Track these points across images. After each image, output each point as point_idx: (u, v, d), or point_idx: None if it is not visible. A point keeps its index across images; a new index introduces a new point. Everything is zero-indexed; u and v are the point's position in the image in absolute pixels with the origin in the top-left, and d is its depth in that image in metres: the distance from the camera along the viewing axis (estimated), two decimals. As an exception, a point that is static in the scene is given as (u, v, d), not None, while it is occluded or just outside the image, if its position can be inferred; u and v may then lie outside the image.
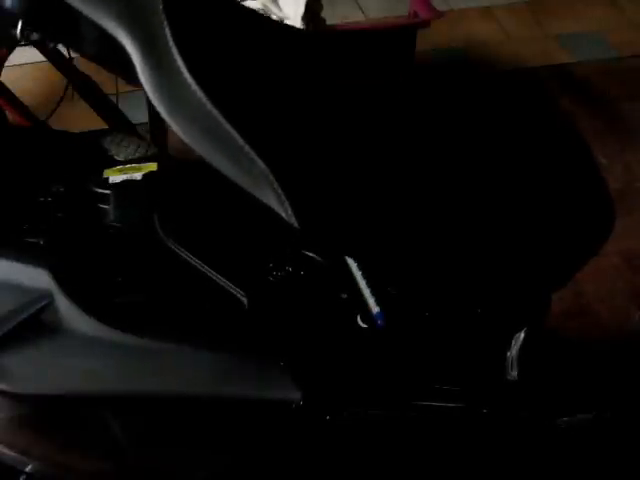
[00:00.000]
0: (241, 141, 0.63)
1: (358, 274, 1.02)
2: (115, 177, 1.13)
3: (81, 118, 2.22)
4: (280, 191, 0.66)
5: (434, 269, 0.80)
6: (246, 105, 0.66)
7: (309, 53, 0.75)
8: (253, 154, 0.63)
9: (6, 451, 0.97)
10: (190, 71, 0.60)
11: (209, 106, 0.61)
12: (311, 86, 0.73)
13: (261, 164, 0.64)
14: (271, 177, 0.65)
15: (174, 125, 0.65)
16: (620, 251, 2.05)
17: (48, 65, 2.14)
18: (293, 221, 0.68)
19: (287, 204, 0.67)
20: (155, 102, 0.64)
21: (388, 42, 1.93)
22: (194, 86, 0.61)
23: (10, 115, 1.95)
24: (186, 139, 0.65)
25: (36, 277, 0.95)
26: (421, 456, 0.94)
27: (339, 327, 0.96)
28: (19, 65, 2.56)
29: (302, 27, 1.87)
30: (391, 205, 0.75)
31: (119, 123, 2.23)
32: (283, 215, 0.68)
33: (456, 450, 0.93)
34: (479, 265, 0.81)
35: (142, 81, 0.64)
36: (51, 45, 0.84)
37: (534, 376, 0.94)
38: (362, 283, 1.00)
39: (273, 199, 0.67)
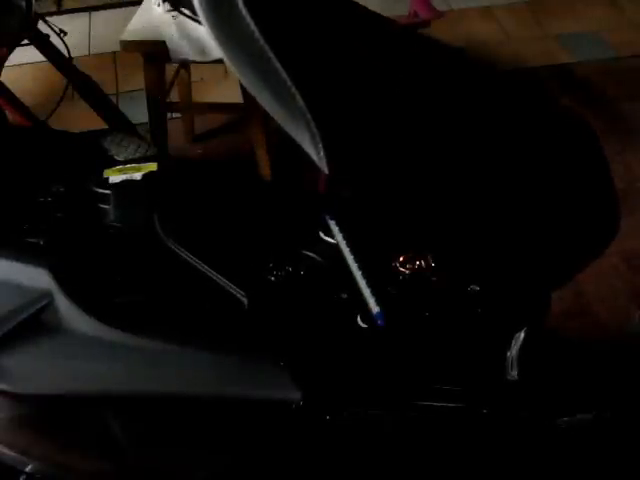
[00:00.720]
0: (284, 74, 0.63)
1: (358, 274, 1.02)
2: (115, 177, 1.13)
3: (81, 118, 2.22)
4: (315, 131, 0.66)
5: (449, 234, 0.80)
6: (296, 46, 0.66)
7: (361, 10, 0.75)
8: (295, 90, 0.63)
9: (6, 451, 0.97)
10: (245, 4, 0.61)
11: (261, 41, 0.62)
12: (361, 40, 0.73)
13: (300, 101, 0.64)
14: (308, 115, 0.65)
15: (227, 56, 0.65)
16: (620, 251, 2.05)
17: (48, 65, 2.14)
18: (323, 164, 0.68)
19: (320, 146, 0.67)
20: (211, 32, 0.64)
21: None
22: (248, 19, 0.61)
23: (10, 115, 1.95)
24: (235, 69, 0.66)
25: (36, 277, 0.95)
26: (421, 456, 0.94)
27: (339, 327, 0.96)
28: (19, 65, 2.57)
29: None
30: (416, 166, 0.75)
31: (119, 123, 2.24)
32: (314, 158, 0.68)
33: (456, 450, 0.93)
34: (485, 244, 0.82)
35: (198, 10, 0.65)
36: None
37: (534, 376, 0.94)
38: (362, 283, 1.01)
39: (307, 139, 0.67)
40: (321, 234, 1.09)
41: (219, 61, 2.02)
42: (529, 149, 0.79)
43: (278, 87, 0.65)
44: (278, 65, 0.63)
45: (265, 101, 0.68)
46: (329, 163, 0.68)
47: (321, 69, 0.68)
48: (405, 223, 0.81)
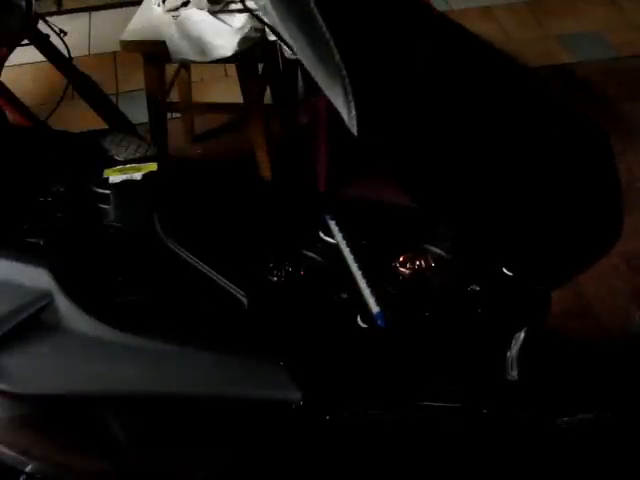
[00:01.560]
0: (324, 28, 0.63)
1: (358, 274, 1.02)
2: (115, 177, 1.13)
3: (81, 118, 2.22)
4: (349, 89, 0.65)
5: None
6: (340, 4, 0.66)
7: None
8: (333, 44, 0.63)
9: (6, 451, 0.97)
10: None
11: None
12: (403, 13, 0.73)
13: (337, 57, 0.64)
14: (344, 72, 0.65)
15: (274, 8, 0.66)
16: (620, 251, 2.05)
17: (48, 65, 2.14)
18: (353, 124, 0.68)
19: (352, 104, 0.66)
20: None
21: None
22: None
23: (10, 115, 1.95)
24: (279, 22, 0.66)
25: (36, 277, 0.95)
26: (421, 456, 0.94)
27: (339, 327, 0.96)
28: (19, 65, 2.57)
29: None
30: (441, 141, 0.75)
31: (119, 123, 2.24)
32: (345, 117, 0.68)
33: (456, 450, 0.93)
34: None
35: None
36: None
37: (534, 376, 0.94)
38: (362, 283, 1.01)
39: (340, 97, 0.66)
40: (321, 234, 1.09)
41: (219, 61, 2.02)
42: (550, 145, 0.79)
43: (318, 42, 0.65)
44: (321, 21, 0.63)
45: (305, 57, 0.68)
46: (359, 123, 0.67)
47: (361, 29, 0.68)
48: (426, 193, 0.81)
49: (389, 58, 0.70)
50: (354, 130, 0.68)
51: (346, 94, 0.66)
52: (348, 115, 0.67)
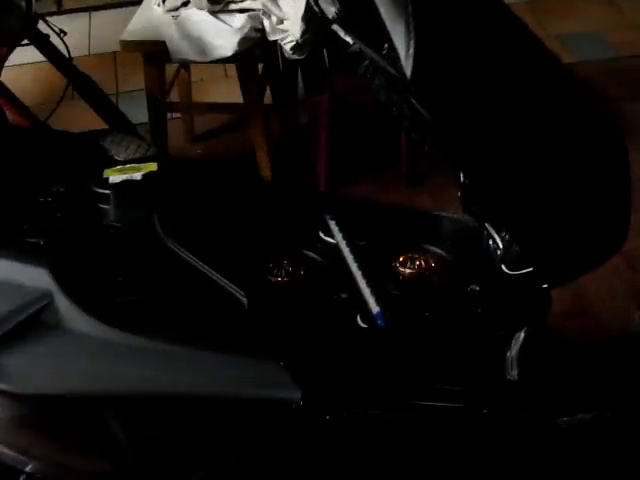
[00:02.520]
0: None
1: (358, 274, 1.02)
2: (115, 177, 1.13)
3: (81, 118, 2.22)
4: (412, 27, 0.65)
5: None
6: None
7: None
8: None
9: (6, 451, 0.97)
10: None
11: None
12: None
13: None
14: (410, 9, 0.65)
15: None
16: (620, 251, 2.05)
17: (48, 65, 2.14)
18: (409, 64, 0.68)
19: (412, 43, 0.66)
20: None
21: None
22: None
23: (10, 115, 1.95)
24: None
25: (36, 277, 0.95)
26: (421, 456, 0.94)
27: (339, 327, 0.96)
28: (19, 65, 2.57)
29: (302, 27, 1.87)
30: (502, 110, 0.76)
31: (119, 123, 2.24)
32: (401, 55, 0.68)
33: (456, 450, 0.93)
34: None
35: None
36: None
37: (534, 376, 0.94)
38: (362, 283, 1.00)
39: (402, 35, 0.67)
40: (321, 234, 1.09)
41: (219, 61, 2.02)
42: (571, 135, 0.80)
43: None
44: None
45: None
46: (414, 63, 0.67)
47: None
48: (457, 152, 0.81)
49: (453, 10, 0.70)
50: (408, 70, 0.68)
51: (408, 32, 0.66)
52: (405, 54, 0.67)
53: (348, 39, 0.91)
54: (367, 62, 0.94)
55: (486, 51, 0.73)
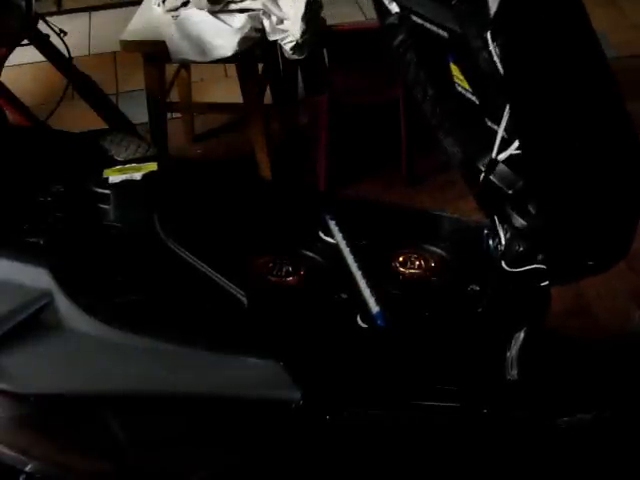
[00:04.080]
0: None
1: (358, 274, 1.02)
2: (115, 177, 1.13)
3: (81, 118, 2.22)
4: None
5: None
6: None
7: None
8: None
9: (6, 451, 0.97)
10: None
11: None
12: None
13: None
14: None
15: None
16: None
17: (48, 65, 2.14)
18: None
19: None
20: None
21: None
22: None
23: (10, 115, 1.95)
24: None
25: (36, 277, 0.95)
26: (421, 456, 0.94)
27: (339, 327, 0.96)
28: (19, 65, 2.56)
29: (302, 27, 1.87)
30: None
31: (119, 123, 2.24)
32: None
33: (456, 450, 0.93)
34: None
35: None
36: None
37: (534, 376, 0.94)
38: (362, 283, 1.00)
39: None
40: (321, 234, 1.10)
41: (219, 61, 2.02)
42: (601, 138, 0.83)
43: None
44: None
45: None
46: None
47: None
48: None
49: None
50: (495, 5, 0.68)
51: None
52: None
53: (393, 6, 0.90)
54: (403, 36, 0.93)
55: (562, 21, 0.75)
